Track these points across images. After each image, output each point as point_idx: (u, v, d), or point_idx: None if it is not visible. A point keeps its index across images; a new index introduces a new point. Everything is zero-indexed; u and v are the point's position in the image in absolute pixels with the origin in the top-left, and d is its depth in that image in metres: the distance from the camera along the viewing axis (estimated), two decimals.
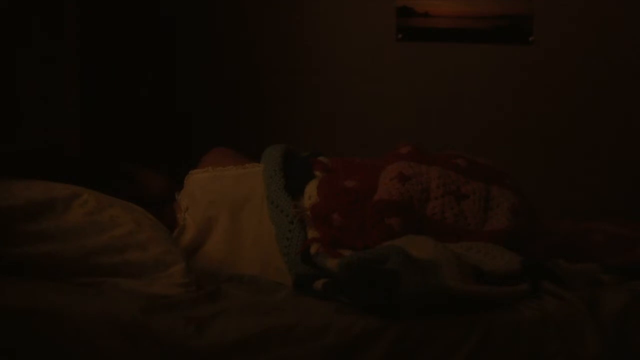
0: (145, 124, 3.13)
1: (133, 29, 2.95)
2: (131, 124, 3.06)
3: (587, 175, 2.93)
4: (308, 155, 2.17)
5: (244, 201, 2.04)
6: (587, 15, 2.94)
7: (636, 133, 2.96)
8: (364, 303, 1.60)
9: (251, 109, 3.17)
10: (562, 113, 3.00)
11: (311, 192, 1.99)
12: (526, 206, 1.98)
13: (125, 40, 2.91)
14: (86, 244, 1.76)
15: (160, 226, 1.87)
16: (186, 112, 3.20)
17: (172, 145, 3.16)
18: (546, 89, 3.00)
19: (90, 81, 2.53)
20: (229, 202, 2.04)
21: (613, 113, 2.97)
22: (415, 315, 1.58)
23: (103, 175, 2.13)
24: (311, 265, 1.84)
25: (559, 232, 2.07)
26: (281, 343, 1.57)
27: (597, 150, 2.99)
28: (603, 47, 2.94)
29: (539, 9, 2.94)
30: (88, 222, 1.78)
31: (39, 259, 1.76)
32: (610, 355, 1.59)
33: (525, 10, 2.95)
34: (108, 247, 1.76)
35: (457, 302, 1.59)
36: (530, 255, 1.80)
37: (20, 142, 2.12)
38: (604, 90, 2.96)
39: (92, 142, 2.74)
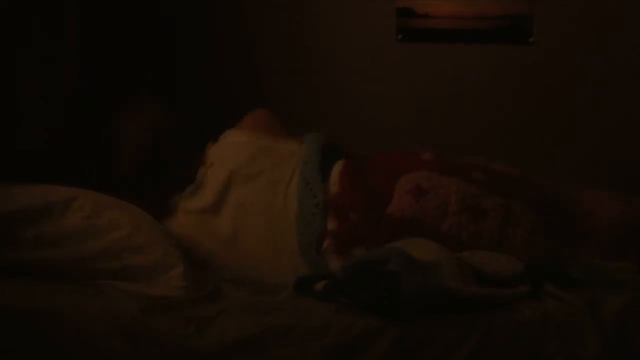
0: None
1: (133, 29, 2.95)
2: None
3: (587, 176, 2.93)
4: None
5: (262, 174, 2.03)
6: (587, 15, 2.94)
7: (636, 133, 2.96)
8: (364, 303, 1.60)
9: (251, 109, 3.16)
10: (562, 113, 3.00)
11: (335, 179, 1.99)
12: (550, 222, 1.92)
13: (125, 40, 2.90)
14: (85, 249, 1.76)
15: (159, 227, 1.86)
16: (186, 112, 3.19)
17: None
18: (546, 90, 3.00)
19: (90, 81, 2.53)
20: (248, 172, 2.04)
21: (613, 113, 2.96)
22: (415, 315, 1.58)
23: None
24: (319, 255, 1.84)
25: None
26: (281, 343, 1.57)
27: (598, 151, 2.99)
28: (603, 48, 2.94)
29: (539, 9, 2.94)
30: (86, 226, 1.78)
31: (38, 263, 1.76)
32: (610, 355, 1.59)
33: (525, 11, 2.95)
34: (107, 252, 1.76)
35: (457, 302, 1.59)
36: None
37: (20, 142, 2.11)
38: (604, 91, 2.96)
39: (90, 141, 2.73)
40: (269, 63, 3.13)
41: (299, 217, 1.93)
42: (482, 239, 1.86)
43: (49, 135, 2.17)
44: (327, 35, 3.11)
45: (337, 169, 2.01)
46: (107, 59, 2.66)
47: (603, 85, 2.96)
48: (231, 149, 2.11)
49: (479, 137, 2.99)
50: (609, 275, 1.74)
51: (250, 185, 2.01)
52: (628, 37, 2.92)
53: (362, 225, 1.88)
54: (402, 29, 3.04)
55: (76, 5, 2.43)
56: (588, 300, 1.64)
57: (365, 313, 1.59)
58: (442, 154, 2.10)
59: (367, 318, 1.58)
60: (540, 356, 1.59)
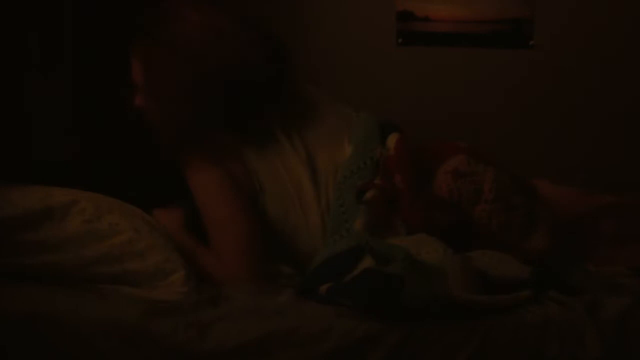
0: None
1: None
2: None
3: (588, 180, 2.93)
4: None
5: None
6: (588, 18, 2.94)
7: (638, 137, 2.96)
8: (366, 307, 1.60)
9: None
10: (563, 116, 3.00)
11: (390, 145, 2.01)
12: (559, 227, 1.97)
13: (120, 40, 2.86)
14: (85, 253, 1.75)
15: (160, 232, 1.86)
16: None
17: None
18: (547, 93, 3.00)
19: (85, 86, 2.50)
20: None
21: (614, 116, 2.97)
22: (416, 319, 1.59)
23: None
24: (359, 202, 1.85)
25: (571, 209, 2.03)
26: (282, 347, 1.57)
27: (598, 154, 2.99)
28: (604, 50, 2.94)
29: (540, 12, 2.94)
30: (87, 230, 1.77)
31: (38, 268, 1.75)
32: (611, 358, 1.59)
33: (525, 14, 2.95)
34: (107, 256, 1.76)
35: (459, 307, 1.60)
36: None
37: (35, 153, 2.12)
38: (605, 94, 2.96)
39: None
40: None
41: (347, 163, 1.93)
42: (510, 232, 1.89)
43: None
44: (327, 39, 3.11)
45: (393, 138, 2.03)
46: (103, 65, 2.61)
47: (604, 88, 2.96)
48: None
49: (480, 140, 2.99)
50: (609, 279, 1.74)
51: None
52: (629, 41, 2.93)
53: (402, 189, 1.90)
54: (402, 32, 3.04)
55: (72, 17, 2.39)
56: (588, 304, 1.65)
57: (366, 316, 1.59)
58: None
59: (368, 322, 1.58)
60: (541, 359, 1.59)
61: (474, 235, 1.86)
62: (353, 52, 3.09)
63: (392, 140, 2.03)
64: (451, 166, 1.97)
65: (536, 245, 1.88)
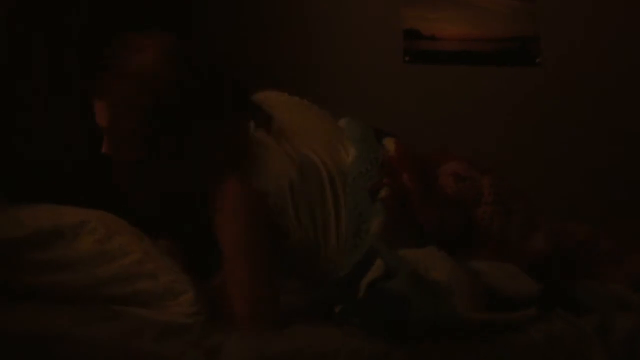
0: None
1: None
2: None
3: (594, 197, 2.94)
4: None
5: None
6: (594, 36, 2.95)
7: None
8: (374, 327, 1.61)
9: None
10: (569, 134, 3.00)
11: (390, 147, 1.99)
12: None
13: None
14: (96, 273, 1.76)
15: (167, 255, 1.85)
16: None
17: None
18: (554, 110, 3.00)
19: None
20: None
21: (622, 133, 2.96)
22: (422, 339, 1.59)
23: None
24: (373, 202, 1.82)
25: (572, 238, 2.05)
26: None
27: (605, 170, 2.99)
28: (610, 68, 2.95)
29: (545, 30, 2.95)
30: (98, 250, 1.78)
31: (50, 287, 1.76)
32: None
33: (531, 32, 2.96)
34: (118, 277, 1.76)
35: (465, 326, 1.60)
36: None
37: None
38: (613, 110, 2.96)
39: None
40: (275, 85, 3.15)
41: (357, 161, 1.89)
42: (510, 232, 1.91)
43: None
44: (334, 57, 3.13)
45: (390, 141, 2.03)
46: None
47: (611, 105, 2.96)
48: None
49: (487, 158, 2.99)
50: (615, 296, 1.74)
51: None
52: (636, 57, 2.93)
53: (412, 188, 1.90)
54: (408, 50, 3.06)
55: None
56: (596, 323, 1.65)
57: (373, 336, 1.60)
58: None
59: (375, 342, 1.59)
60: None
61: (476, 234, 1.87)
62: (360, 70, 3.10)
63: (389, 142, 2.01)
64: (451, 169, 1.98)
65: (537, 245, 1.89)
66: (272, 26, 3.15)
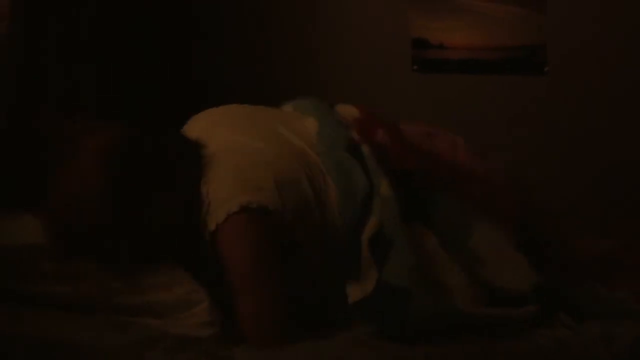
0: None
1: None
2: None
3: (602, 203, 2.93)
4: None
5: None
6: (602, 44, 2.95)
7: None
8: (381, 322, 1.62)
9: None
10: (578, 143, 3.00)
11: (349, 110, 1.96)
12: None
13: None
14: (108, 283, 1.76)
15: (180, 267, 1.82)
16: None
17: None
18: (562, 119, 3.00)
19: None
20: None
21: (631, 141, 2.96)
22: (422, 337, 1.60)
23: None
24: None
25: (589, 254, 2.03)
26: None
27: (614, 179, 2.98)
28: (618, 76, 2.95)
29: (553, 39, 2.96)
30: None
31: (59, 296, 1.76)
32: None
33: (539, 41, 2.96)
34: (130, 287, 1.76)
35: (465, 322, 1.61)
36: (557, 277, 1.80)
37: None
38: (621, 119, 2.96)
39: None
40: (282, 95, 3.17)
41: (321, 135, 1.83)
42: (495, 175, 1.96)
43: None
44: (342, 66, 3.14)
45: (344, 106, 1.99)
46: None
47: (620, 113, 2.96)
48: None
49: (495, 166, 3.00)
50: (619, 305, 1.74)
51: None
52: None
53: (388, 143, 1.89)
54: (417, 59, 3.07)
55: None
56: (601, 330, 1.65)
57: (381, 346, 1.60)
58: None
59: (380, 350, 1.59)
60: None
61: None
62: (369, 79, 3.12)
63: (346, 108, 1.98)
64: (419, 130, 2.02)
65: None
66: (281, 38, 3.17)
